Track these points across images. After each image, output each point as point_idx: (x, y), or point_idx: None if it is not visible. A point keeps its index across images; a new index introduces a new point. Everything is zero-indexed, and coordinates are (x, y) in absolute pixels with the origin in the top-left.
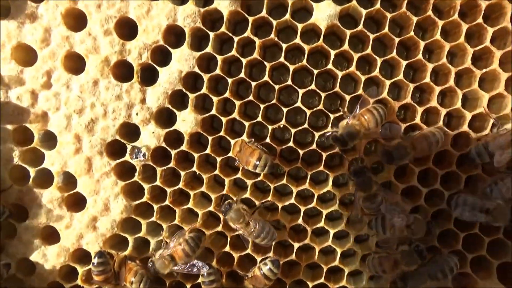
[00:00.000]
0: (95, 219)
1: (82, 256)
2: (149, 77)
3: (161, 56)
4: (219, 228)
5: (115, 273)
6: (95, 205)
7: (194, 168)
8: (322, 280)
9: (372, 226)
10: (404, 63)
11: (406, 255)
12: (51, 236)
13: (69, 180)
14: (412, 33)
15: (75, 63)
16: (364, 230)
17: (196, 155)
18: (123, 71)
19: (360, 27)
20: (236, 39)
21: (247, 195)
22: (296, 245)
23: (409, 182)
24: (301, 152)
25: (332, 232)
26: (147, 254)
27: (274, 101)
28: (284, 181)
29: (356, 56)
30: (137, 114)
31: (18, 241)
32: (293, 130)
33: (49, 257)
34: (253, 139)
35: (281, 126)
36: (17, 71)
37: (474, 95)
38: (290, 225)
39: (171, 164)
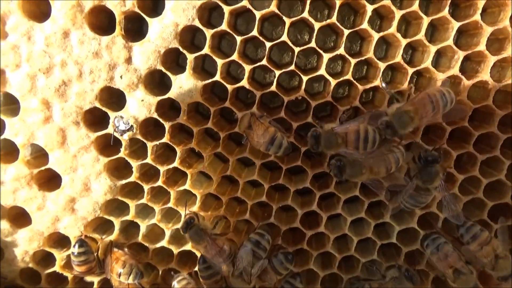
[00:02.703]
0: (73, 200)
1: (59, 239)
2: (136, 30)
3: (155, 4)
4: (221, 211)
5: (99, 261)
6: (73, 184)
7: (193, 145)
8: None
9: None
10: None
11: (398, 282)
12: (20, 218)
13: (40, 153)
14: None
15: (38, 7)
16: None
17: (195, 130)
18: (102, 20)
19: None
20: None
21: (254, 176)
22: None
23: None
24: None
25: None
26: (136, 239)
27: (292, 67)
28: (298, 162)
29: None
30: (121, 77)
31: None
32: (313, 103)
33: (19, 242)
34: (265, 114)
35: (299, 98)
36: None
37: None
38: (303, 211)
39: (165, 139)
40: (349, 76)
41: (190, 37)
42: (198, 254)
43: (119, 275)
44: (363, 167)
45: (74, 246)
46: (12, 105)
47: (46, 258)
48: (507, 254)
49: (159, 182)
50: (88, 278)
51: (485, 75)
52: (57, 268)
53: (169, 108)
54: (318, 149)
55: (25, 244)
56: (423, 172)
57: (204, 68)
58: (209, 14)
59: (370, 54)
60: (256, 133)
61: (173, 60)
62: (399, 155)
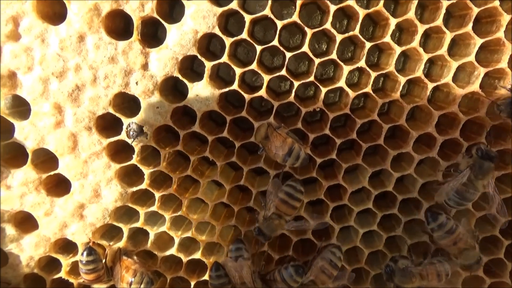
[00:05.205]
0: (82, 206)
1: (65, 244)
2: (151, 35)
3: (171, 9)
4: (233, 222)
5: (107, 268)
6: (82, 190)
7: (207, 153)
8: None
9: None
10: None
11: None
12: (26, 223)
13: (48, 157)
14: None
15: (53, 9)
16: None
17: (210, 138)
18: (118, 24)
19: None
20: None
21: (268, 187)
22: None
23: None
24: (338, 141)
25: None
26: (145, 247)
27: (311, 78)
28: (313, 174)
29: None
30: (137, 83)
31: None
32: (331, 115)
33: (25, 247)
34: (282, 124)
35: (317, 109)
36: None
37: None
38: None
39: (179, 147)
40: (368, 89)
41: (206, 43)
42: (209, 263)
43: (130, 284)
44: (414, 275)
45: (82, 254)
46: (20, 107)
47: (50, 264)
48: (472, 244)
49: (171, 190)
50: (95, 286)
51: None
52: (62, 274)
53: (182, 114)
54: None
55: (30, 250)
56: (478, 165)
57: (218, 74)
58: (226, 21)
59: (391, 68)
60: (273, 144)
61: (188, 66)
62: (447, 266)
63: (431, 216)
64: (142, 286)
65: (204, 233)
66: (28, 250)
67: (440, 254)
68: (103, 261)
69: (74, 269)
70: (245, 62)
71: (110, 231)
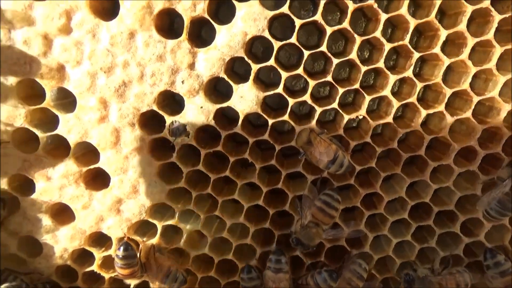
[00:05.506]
0: (120, 201)
1: (97, 238)
2: (197, 35)
3: (216, 9)
4: (267, 225)
5: (142, 264)
6: (121, 185)
7: (246, 155)
8: None
9: None
10: None
11: None
12: (62, 214)
13: (86, 150)
14: None
15: (103, 4)
16: None
17: (251, 140)
18: (165, 23)
19: None
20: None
21: (305, 192)
22: None
23: None
24: (378, 149)
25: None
26: (177, 244)
27: (356, 85)
28: (351, 181)
29: None
30: (182, 82)
31: (21, 217)
32: (373, 123)
33: (60, 238)
34: (325, 130)
35: (360, 117)
36: (24, 5)
37: None
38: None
39: (219, 148)
40: (413, 100)
41: (250, 45)
42: (240, 265)
43: (164, 281)
44: (433, 285)
45: (119, 249)
46: (64, 99)
47: (82, 256)
48: None
49: (209, 190)
50: (128, 281)
51: None
52: (95, 267)
53: (221, 115)
54: None
55: (66, 242)
56: None
57: (258, 77)
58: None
59: (438, 79)
60: (317, 150)
61: (230, 67)
62: (467, 276)
63: (489, 253)
64: (176, 284)
65: (236, 234)
66: (63, 242)
67: None
68: (138, 256)
69: (105, 263)
70: (286, 66)
71: (142, 227)
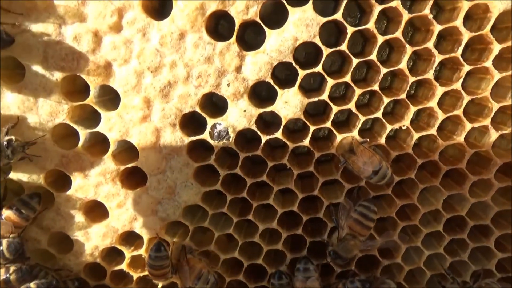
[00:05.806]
0: (155, 201)
1: (127, 236)
2: (240, 37)
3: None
4: (299, 231)
5: (172, 265)
6: (158, 186)
7: (285, 161)
8: None
9: None
10: None
11: None
12: (95, 212)
13: (122, 149)
14: None
15: (153, 3)
16: None
17: (291, 146)
18: (213, 24)
19: None
20: (378, 8)
21: (340, 199)
22: None
23: None
24: (419, 161)
25: None
26: (208, 247)
27: (402, 95)
28: (389, 191)
29: None
30: (228, 85)
31: (55, 212)
32: (415, 135)
33: (92, 236)
34: (367, 139)
35: (404, 127)
36: (77, 1)
37: None
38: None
39: (259, 152)
40: (459, 112)
41: None
42: (270, 270)
43: (195, 283)
44: None
45: (152, 249)
46: (105, 96)
47: (110, 255)
48: None
49: (244, 193)
50: (157, 281)
51: None
52: (124, 266)
53: (262, 121)
54: None
55: (97, 239)
56: None
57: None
58: None
59: (486, 93)
60: (361, 159)
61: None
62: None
63: None
64: (207, 286)
65: (265, 239)
66: (94, 239)
67: None
68: (170, 257)
69: (134, 262)
70: (328, 72)
71: (171, 228)
